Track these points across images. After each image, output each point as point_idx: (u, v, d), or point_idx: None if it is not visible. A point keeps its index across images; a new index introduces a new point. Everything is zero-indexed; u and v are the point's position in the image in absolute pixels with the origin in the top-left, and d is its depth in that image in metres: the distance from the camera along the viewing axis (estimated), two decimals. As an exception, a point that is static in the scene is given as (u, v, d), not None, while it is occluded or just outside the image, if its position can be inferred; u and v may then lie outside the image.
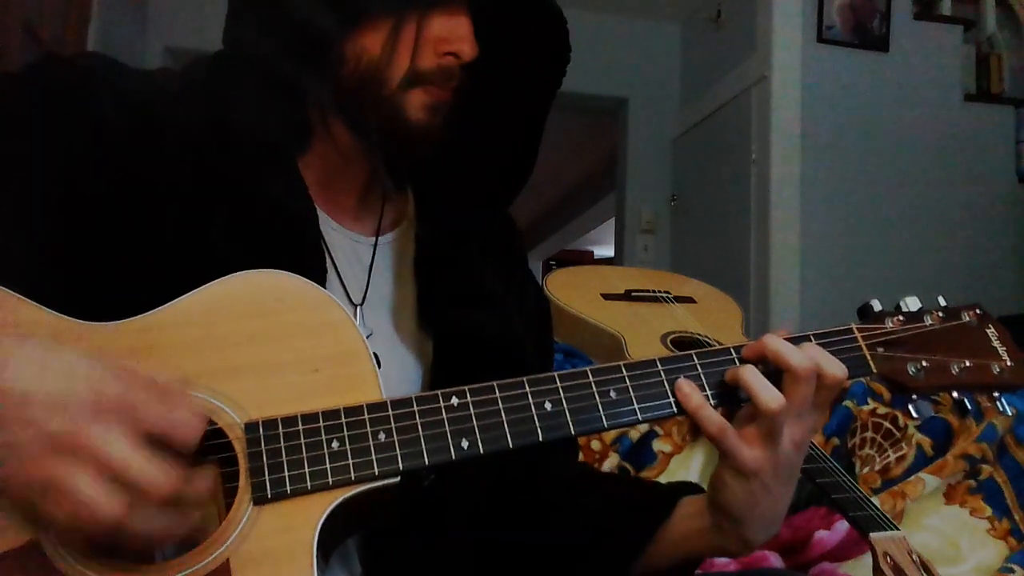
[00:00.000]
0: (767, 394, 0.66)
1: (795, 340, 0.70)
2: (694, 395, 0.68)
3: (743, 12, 3.54)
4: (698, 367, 0.70)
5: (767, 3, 3.31)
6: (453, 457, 0.62)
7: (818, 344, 0.71)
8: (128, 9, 3.39)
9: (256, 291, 0.65)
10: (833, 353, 0.71)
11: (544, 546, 0.83)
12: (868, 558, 0.95)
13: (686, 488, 0.81)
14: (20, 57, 2.29)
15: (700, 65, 4.00)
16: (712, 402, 0.68)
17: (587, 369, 0.68)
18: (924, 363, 0.74)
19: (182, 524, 0.53)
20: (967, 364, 0.75)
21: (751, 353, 0.70)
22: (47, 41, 2.49)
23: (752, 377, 0.67)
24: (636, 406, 0.68)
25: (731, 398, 0.69)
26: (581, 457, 1.37)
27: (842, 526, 1.22)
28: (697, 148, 3.97)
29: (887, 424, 1.41)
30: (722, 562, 1.21)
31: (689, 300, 1.75)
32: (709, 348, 0.72)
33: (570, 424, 0.66)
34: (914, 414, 0.75)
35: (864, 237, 3.28)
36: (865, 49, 3.36)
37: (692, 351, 0.71)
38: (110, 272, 0.66)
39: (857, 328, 0.75)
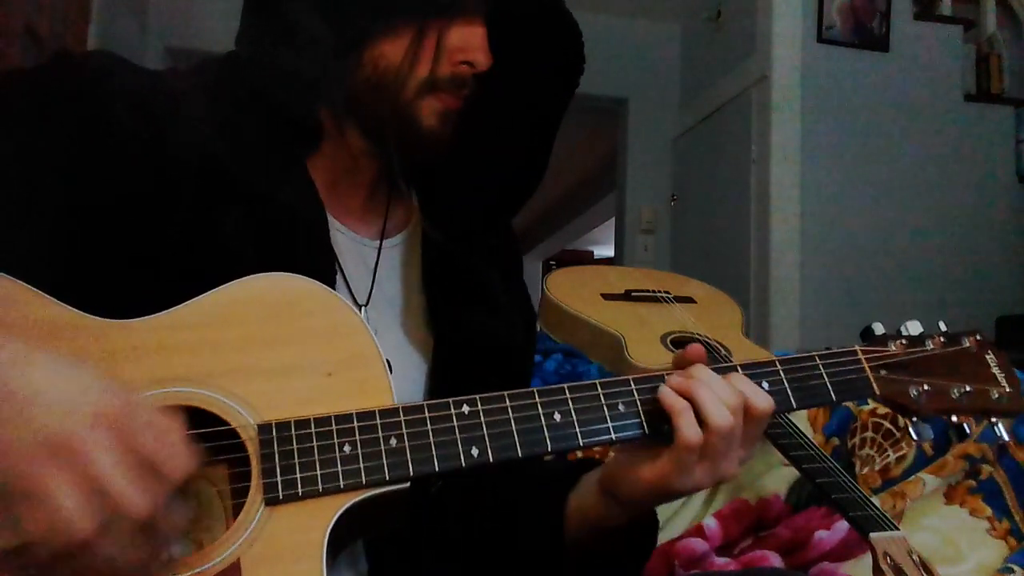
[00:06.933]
0: (689, 431, 0.66)
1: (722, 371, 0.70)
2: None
3: (743, 12, 3.54)
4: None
5: (767, 3, 3.31)
6: (463, 464, 0.63)
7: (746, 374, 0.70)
8: (128, 9, 3.38)
9: (271, 294, 0.65)
10: (838, 374, 0.73)
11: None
12: (868, 558, 0.96)
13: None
14: (20, 57, 2.29)
15: (700, 65, 4.00)
16: (646, 430, 0.68)
17: (596, 382, 0.69)
18: (925, 387, 0.75)
19: (150, 558, 0.51)
20: (967, 389, 0.76)
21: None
22: (47, 41, 2.48)
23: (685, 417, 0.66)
24: (642, 419, 0.68)
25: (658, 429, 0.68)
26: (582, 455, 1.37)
27: (842, 526, 1.22)
28: (697, 148, 3.97)
29: (887, 424, 1.42)
30: (722, 562, 1.22)
31: (689, 300, 1.75)
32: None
33: (578, 435, 0.67)
34: (915, 436, 0.75)
35: (864, 237, 3.28)
36: (865, 49, 3.36)
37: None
38: (120, 270, 0.67)
39: (861, 350, 0.76)
